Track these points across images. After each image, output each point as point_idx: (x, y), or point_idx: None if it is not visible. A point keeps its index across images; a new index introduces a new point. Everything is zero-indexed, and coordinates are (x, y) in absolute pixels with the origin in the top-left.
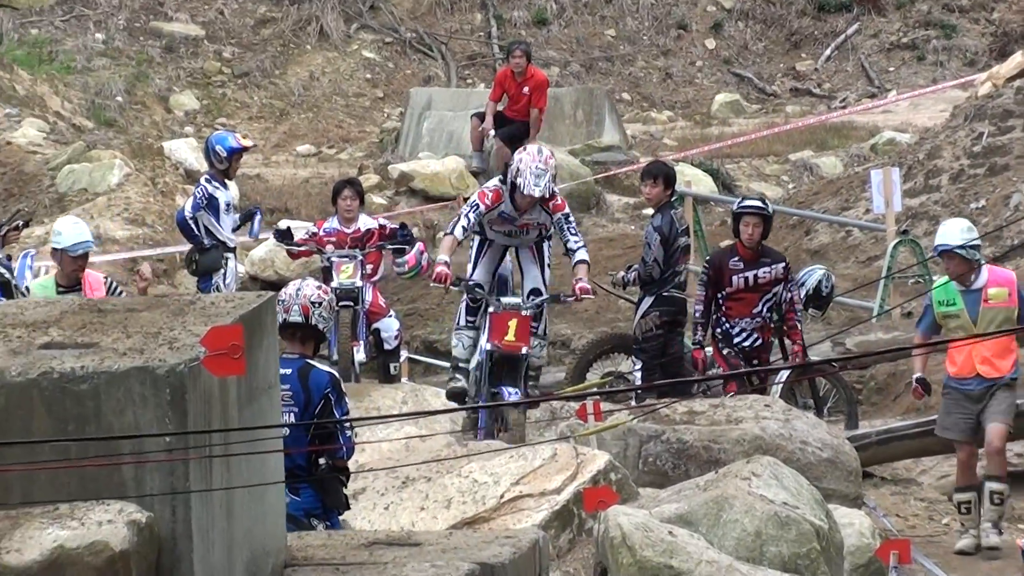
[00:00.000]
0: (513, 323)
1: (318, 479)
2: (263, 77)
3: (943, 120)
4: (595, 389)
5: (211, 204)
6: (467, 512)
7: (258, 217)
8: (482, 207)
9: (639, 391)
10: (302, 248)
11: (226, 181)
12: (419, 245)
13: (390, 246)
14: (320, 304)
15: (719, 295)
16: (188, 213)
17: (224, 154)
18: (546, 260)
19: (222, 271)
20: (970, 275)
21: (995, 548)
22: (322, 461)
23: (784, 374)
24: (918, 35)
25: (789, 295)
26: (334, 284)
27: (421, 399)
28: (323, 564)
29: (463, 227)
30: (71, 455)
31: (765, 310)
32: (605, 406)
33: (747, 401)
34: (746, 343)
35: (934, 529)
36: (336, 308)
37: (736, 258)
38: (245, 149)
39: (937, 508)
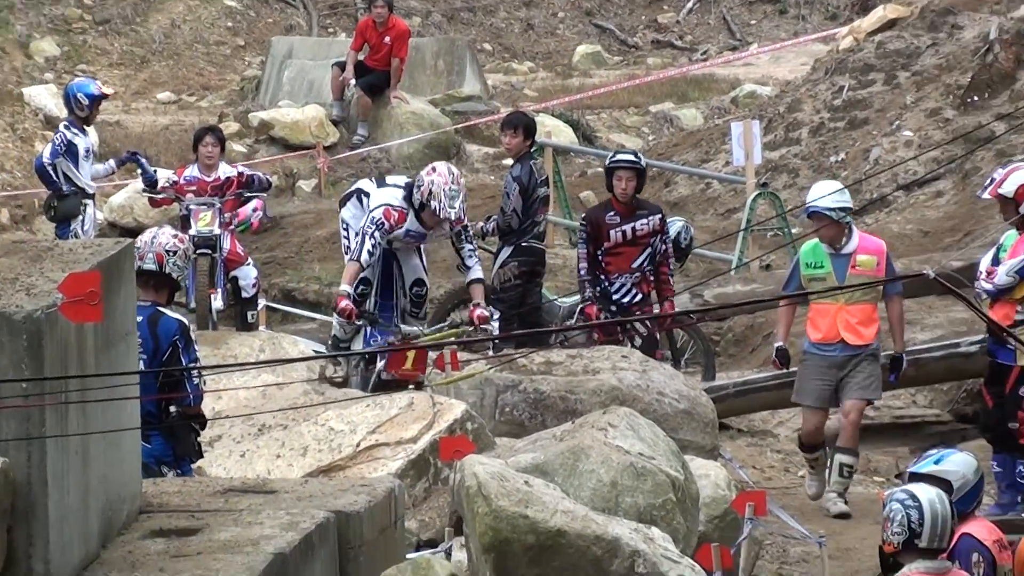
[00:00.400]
0: (412, 352)
1: (168, 427)
2: (124, 24)
3: (804, 74)
4: (452, 338)
5: (70, 151)
6: (323, 460)
7: (142, 160)
8: (387, 226)
9: (496, 341)
10: (162, 196)
11: (86, 128)
12: (256, 202)
13: (248, 194)
14: (175, 253)
15: (598, 252)
16: (47, 159)
17: (86, 101)
18: (422, 246)
19: (80, 217)
20: (840, 238)
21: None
22: (172, 409)
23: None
24: None
25: (664, 247)
26: (192, 232)
27: (278, 347)
28: (178, 511)
29: (368, 251)
30: None
31: (645, 263)
32: (462, 355)
33: (604, 352)
34: (625, 299)
35: (790, 481)
36: (192, 257)
37: (612, 212)
38: (106, 96)
39: (793, 460)
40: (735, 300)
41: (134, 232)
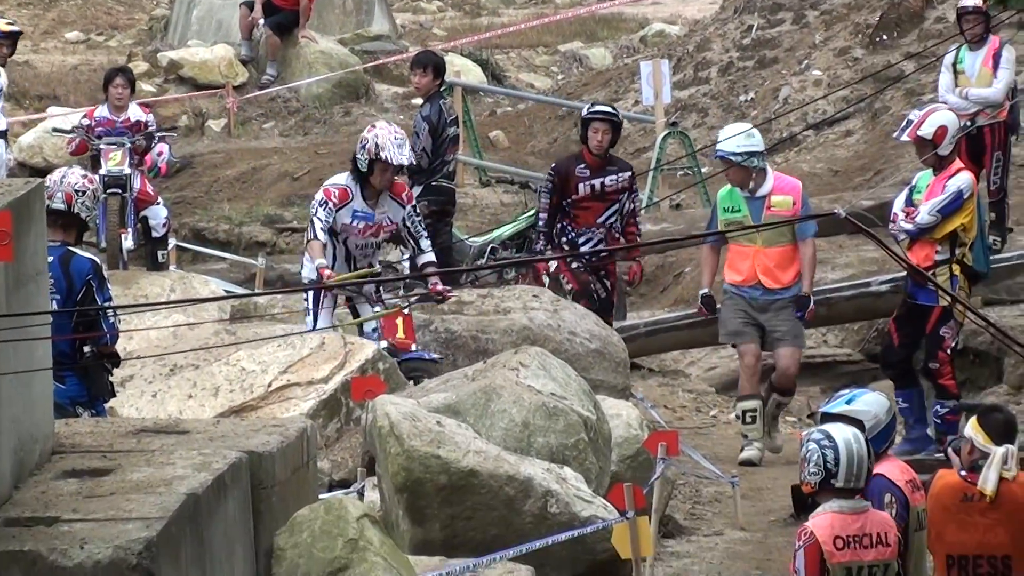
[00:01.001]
0: (400, 321)
1: (83, 367)
2: None
3: (713, 13)
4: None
5: None
6: (235, 400)
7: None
8: (331, 203)
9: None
10: (74, 137)
11: None
12: (160, 146)
13: (158, 133)
14: (84, 192)
15: (564, 203)
16: None
17: None
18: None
19: None
20: (747, 182)
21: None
22: (87, 349)
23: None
24: None
25: (632, 205)
26: (102, 171)
27: (189, 287)
28: (91, 451)
29: (322, 228)
30: None
31: (611, 219)
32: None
33: (515, 291)
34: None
35: (702, 421)
36: (102, 196)
37: (583, 165)
38: (6, 35)
39: (705, 400)
40: (646, 240)
41: (43, 172)
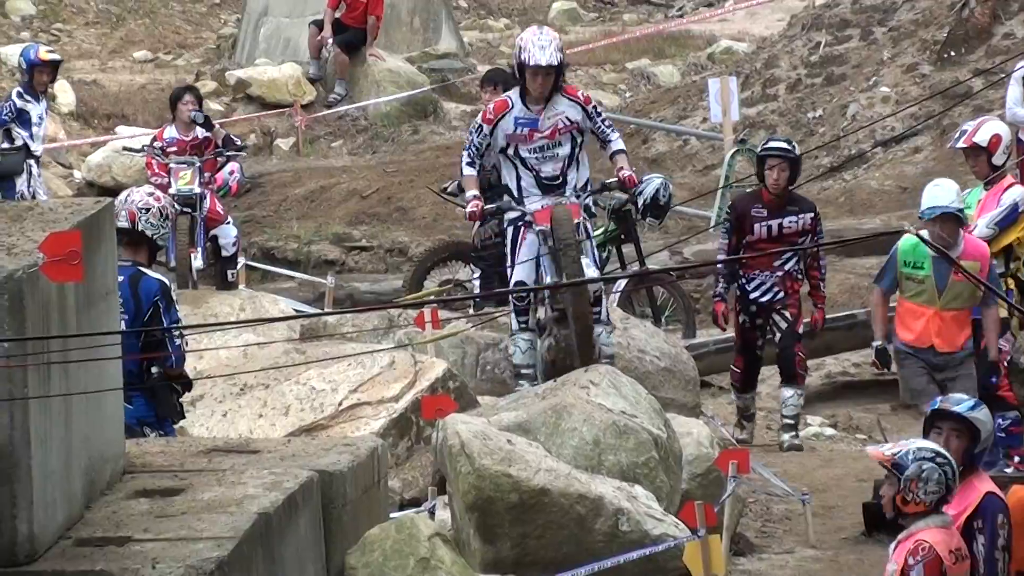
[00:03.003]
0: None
1: (150, 388)
2: None
3: (780, 30)
4: (433, 297)
5: (20, 118)
6: (305, 419)
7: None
8: (484, 124)
9: (477, 299)
10: (148, 156)
11: (39, 94)
12: (231, 165)
13: (228, 153)
14: (148, 210)
15: (741, 244)
16: None
17: (24, 66)
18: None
19: (24, 176)
20: (956, 240)
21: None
22: (154, 370)
23: (622, 283)
24: None
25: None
26: (172, 190)
27: (259, 306)
28: (161, 471)
29: (469, 158)
30: None
31: (789, 262)
32: (443, 314)
33: None
34: (764, 297)
35: (771, 438)
36: (172, 215)
37: (759, 205)
38: (46, 63)
39: (774, 418)
40: (714, 257)
41: (113, 192)
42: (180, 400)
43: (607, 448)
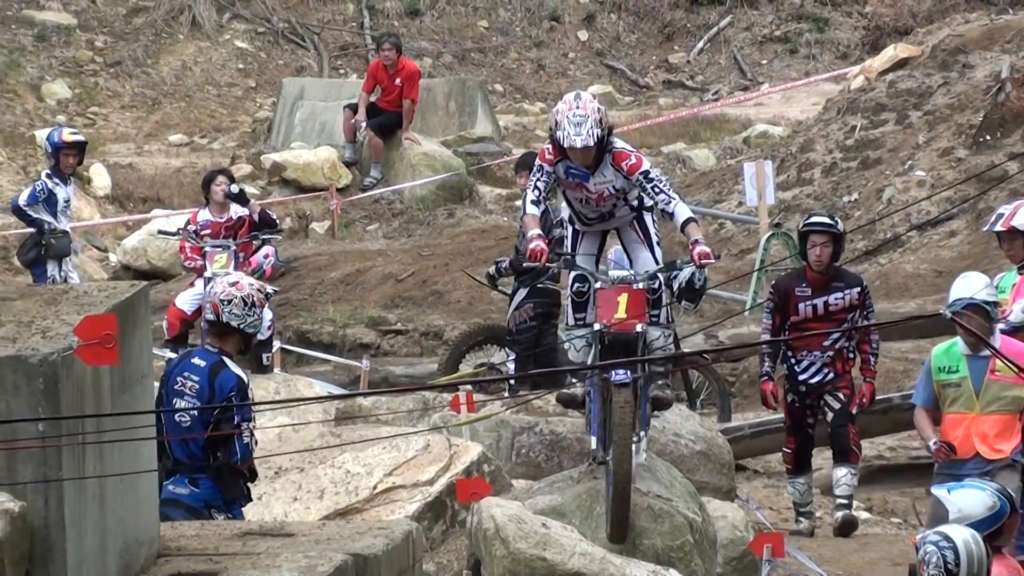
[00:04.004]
0: (623, 298)
1: (216, 471)
2: (135, 66)
3: (816, 113)
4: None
5: (49, 200)
6: (340, 503)
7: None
8: (546, 166)
9: (512, 382)
10: (182, 240)
11: (68, 178)
12: (267, 248)
13: (264, 235)
14: (230, 301)
15: (785, 326)
16: (23, 202)
17: (49, 149)
18: (654, 238)
19: (54, 261)
20: (988, 337)
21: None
22: (220, 454)
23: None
24: (791, 28)
25: (866, 323)
26: (207, 274)
27: (294, 389)
28: (196, 554)
29: (533, 199)
30: None
31: (839, 341)
32: (478, 397)
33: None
34: (813, 379)
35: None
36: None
37: (804, 284)
38: (67, 144)
39: (820, 500)
40: (749, 341)
41: (147, 275)
42: (247, 484)
43: (642, 532)
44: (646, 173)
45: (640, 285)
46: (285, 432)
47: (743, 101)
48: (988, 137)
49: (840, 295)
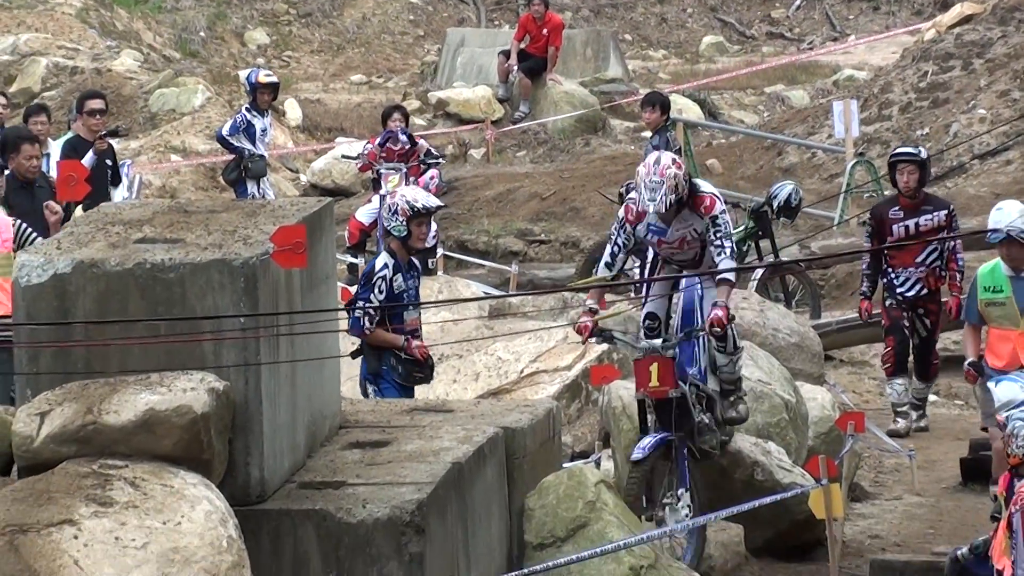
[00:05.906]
0: (654, 368)
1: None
2: (323, 17)
3: (894, 61)
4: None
5: (248, 130)
6: (492, 384)
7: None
8: (627, 223)
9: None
10: (360, 163)
11: (264, 111)
12: (432, 171)
13: (429, 161)
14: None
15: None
16: (226, 133)
17: (248, 88)
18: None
19: (264, 179)
20: None
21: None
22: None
23: (760, 272)
24: None
25: (953, 243)
26: (382, 191)
27: (454, 289)
28: (371, 426)
29: (610, 258)
30: (161, 332)
31: (931, 258)
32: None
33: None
34: (910, 292)
35: (884, 403)
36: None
37: (896, 207)
38: (263, 85)
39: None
40: (837, 251)
41: (332, 192)
42: (419, 369)
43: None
44: (714, 218)
45: (669, 353)
46: (447, 325)
47: (833, 50)
48: None
49: (929, 216)
